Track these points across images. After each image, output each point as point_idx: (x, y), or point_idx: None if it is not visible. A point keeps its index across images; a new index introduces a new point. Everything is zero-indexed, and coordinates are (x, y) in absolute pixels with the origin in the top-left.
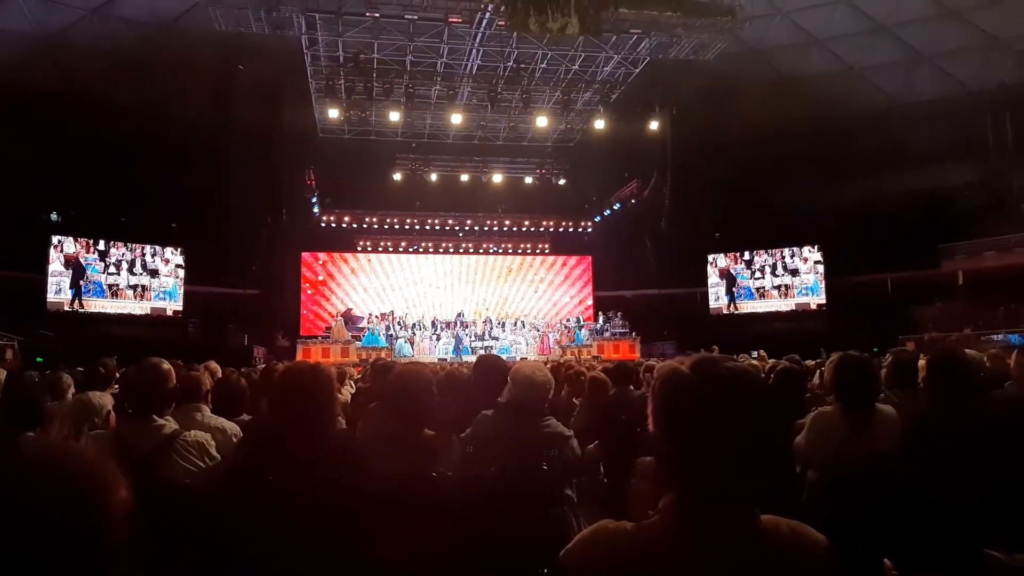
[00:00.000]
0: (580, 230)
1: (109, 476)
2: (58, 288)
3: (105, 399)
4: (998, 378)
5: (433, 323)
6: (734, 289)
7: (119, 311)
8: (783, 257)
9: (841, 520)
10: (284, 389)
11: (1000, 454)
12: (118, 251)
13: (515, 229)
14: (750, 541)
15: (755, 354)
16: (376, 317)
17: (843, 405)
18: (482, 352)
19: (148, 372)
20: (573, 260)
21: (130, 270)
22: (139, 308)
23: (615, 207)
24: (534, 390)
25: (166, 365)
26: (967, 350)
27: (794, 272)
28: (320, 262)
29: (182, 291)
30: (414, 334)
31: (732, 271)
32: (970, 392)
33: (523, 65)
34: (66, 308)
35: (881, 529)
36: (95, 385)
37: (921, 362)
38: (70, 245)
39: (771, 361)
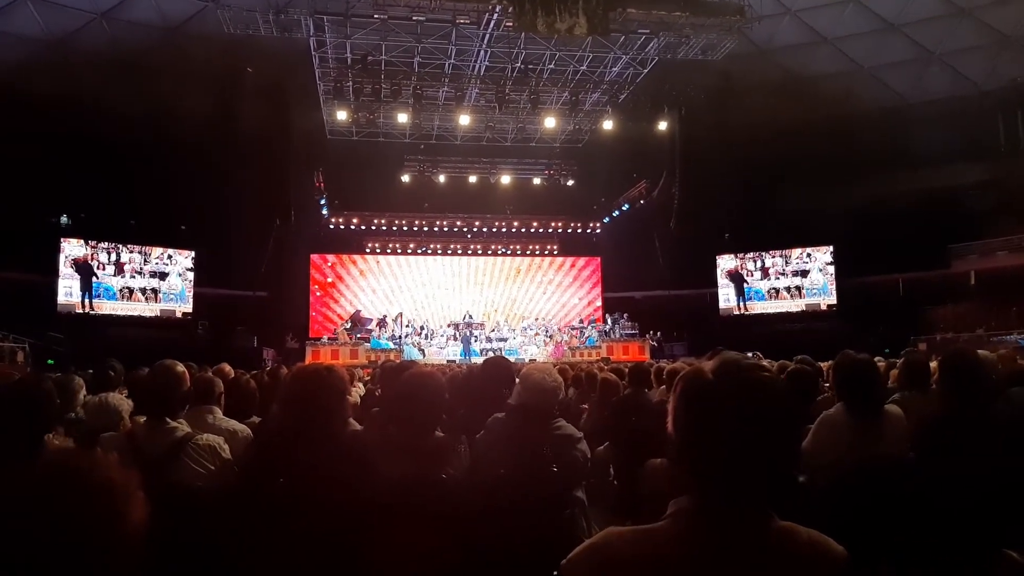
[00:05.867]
0: (589, 231)
1: (127, 492)
2: (68, 291)
3: (123, 402)
4: (1009, 379)
5: (441, 325)
6: (744, 286)
7: (129, 313)
8: (793, 258)
9: (852, 524)
10: (296, 390)
11: (1013, 455)
12: (128, 254)
13: (523, 230)
14: (766, 548)
15: (751, 355)
16: (377, 324)
17: (846, 406)
18: (490, 354)
19: (163, 374)
20: (582, 261)
21: (140, 273)
22: (149, 310)
23: (624, 208)
24: (544, 394)
25: (180, 367)
26: (980, 351)
27: (804, 273)
28: (329, 264)
29: (191, 293)
30: (422, 336)
31: (741, 272)
32: (982, 393)
33: (531, 66)
34: (76, 311)
35: (893, 532)
36: (106, 387)
37: (933, 364)
38: (79, 248)
39: (781, 362)
